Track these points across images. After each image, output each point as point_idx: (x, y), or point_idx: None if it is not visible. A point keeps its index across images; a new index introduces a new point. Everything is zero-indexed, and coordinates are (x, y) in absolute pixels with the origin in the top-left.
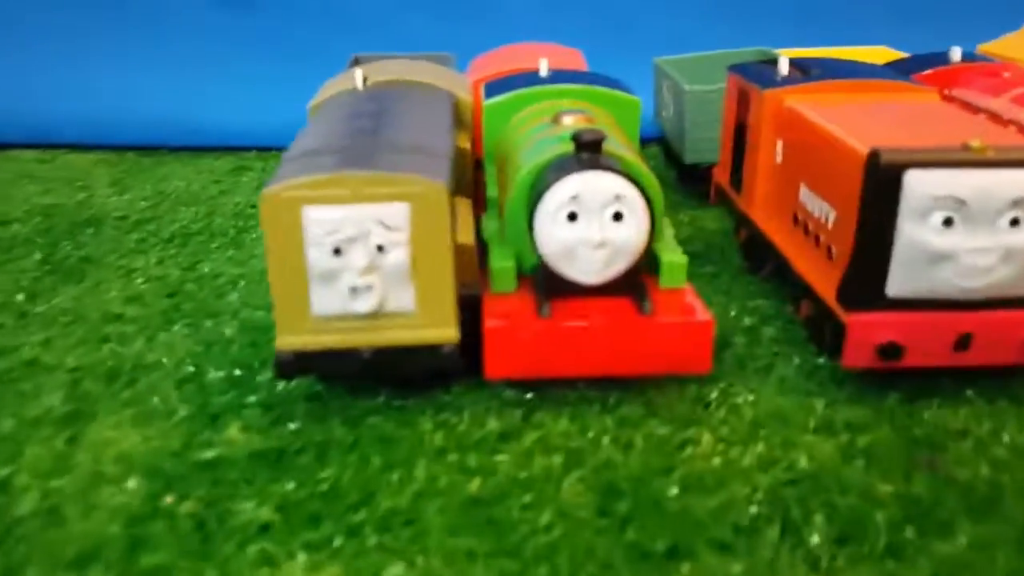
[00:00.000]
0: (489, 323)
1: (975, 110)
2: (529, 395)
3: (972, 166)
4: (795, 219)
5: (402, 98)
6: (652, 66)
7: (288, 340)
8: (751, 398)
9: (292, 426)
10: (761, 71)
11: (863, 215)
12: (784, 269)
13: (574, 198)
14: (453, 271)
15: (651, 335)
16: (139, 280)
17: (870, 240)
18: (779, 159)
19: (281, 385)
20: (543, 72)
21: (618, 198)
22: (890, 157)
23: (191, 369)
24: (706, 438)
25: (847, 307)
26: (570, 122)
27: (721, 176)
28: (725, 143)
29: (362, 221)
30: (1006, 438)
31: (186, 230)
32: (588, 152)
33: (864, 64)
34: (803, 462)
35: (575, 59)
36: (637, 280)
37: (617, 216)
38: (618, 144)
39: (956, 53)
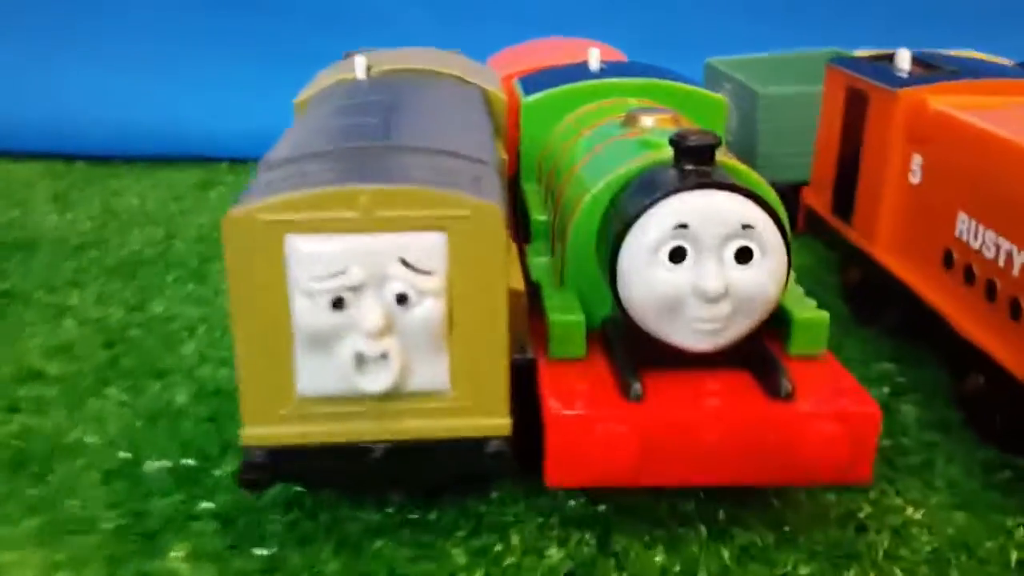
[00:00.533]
0: (554, 408)
1: None
2: (601, 507)
3: None
4: (947, 259)
5: (418, 90)
6: (703, 68)
7: (260, 432)
8: (918, 516)
9: (261, 552)
10: (876, 68)
11: None
12: (931, 324)
13: (682, 228)
14: (507, 332)
15: (792, 430)
16: (70, 323)
17: None
18: (916, 179)
19: None
20: (593, 65)
21: (746, 229)
22: None
23: (126, 456)
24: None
25: None
26: (651, 123)
27: (815, 199)
28: (822, 157)
29: (377, 258)
30: None
31: (137, 257)
32: (696, 163)
33: (1000, 65)
34: None
35: (618, 58)
36: (759, 346)
37: (743, 255)
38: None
39: None
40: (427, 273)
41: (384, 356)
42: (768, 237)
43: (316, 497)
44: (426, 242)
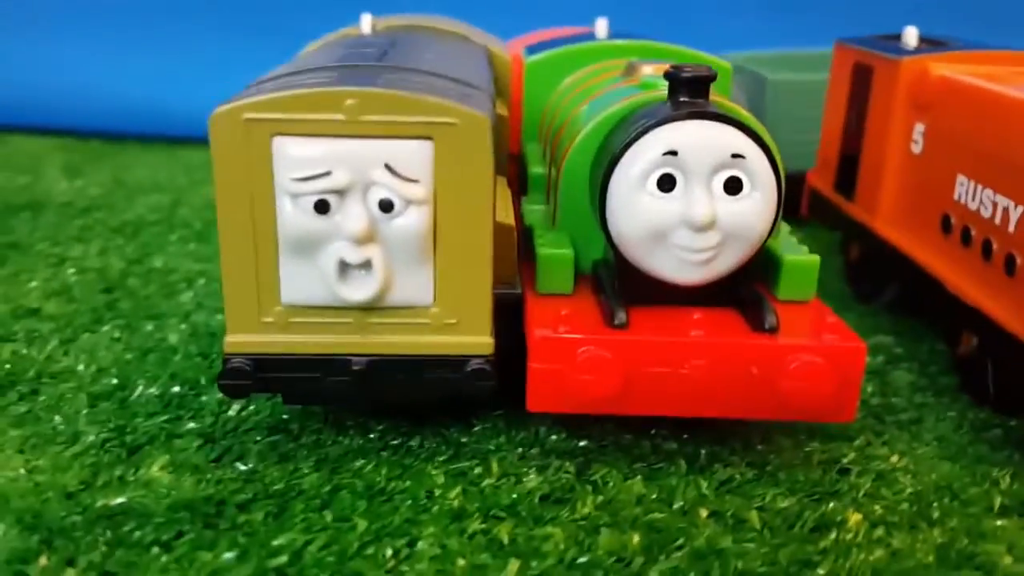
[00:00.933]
0: (538, 332)
1: None
2: (583, 442)
3: None
4: (945, 224)
5: (421, 39)
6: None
7: (242, 340)
8: (904, 463)
9: (242, 467)
10: (883, 43)
11: None
12: (928, 292)
13: (671, 154)
14: (492, 249)
15: (775, 362)
16: (71, 271)
17: None
18: (918, 148)
19: (234, 409)
20: (600, 33)
21: (736, 159)
22: None
23: (113, 382)
24: (853, 518)
25: None
26: (650, 71)
27: (820, 180)
28: (828, 138)
29: (362, 163)
30: None
31: (142, 220)
32: (691, 95)
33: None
34: (1007, 560)
35: None
36: (748, 287)
37: (733, 185)
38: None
39: None
40: (413, 181)
41: (367, 264)
42: (759, 169)
43: (300, 421)
44: (412, 149)
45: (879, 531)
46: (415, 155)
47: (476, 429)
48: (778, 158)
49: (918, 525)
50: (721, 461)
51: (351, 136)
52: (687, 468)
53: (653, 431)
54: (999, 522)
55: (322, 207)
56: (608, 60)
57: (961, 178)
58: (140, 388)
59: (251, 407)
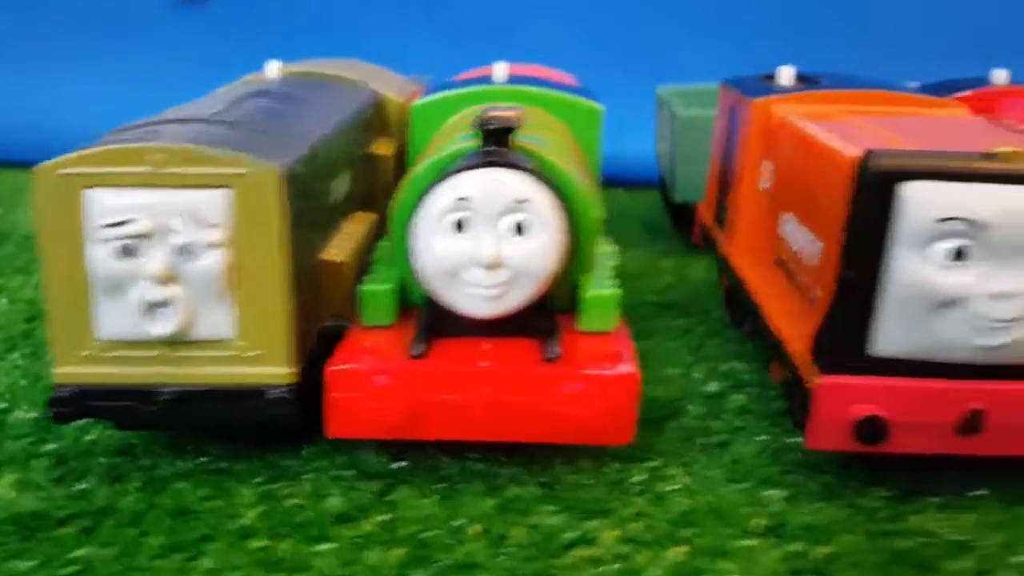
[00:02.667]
0: (334, 364)
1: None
2: (399, 464)
3: (997, 180)
4: (779, 260)
5: (298, 88)
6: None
7: (67, 371)
8: (688, 483)
9: (78, 486)
10: (760, 83)
11: (846, 242)
12: (761, 324)
13: (462, 200)
14: (288, 286)
15: (553, 389)
16: (3, 300)
17: (853, 278)
18: (765, 184)
19: (93, 433)
20: (498, 76)
21: (521, 204)
22: (883, 163)
23: (2, 406)
24: (608, 536)
25: (820, 368)
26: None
27: (707, 213)
28: (712, 172)
29: (164, 210)
30: (1020, 557)
31: None
32: (496, 143)
33: (882, 81)
34: None
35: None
36: (548, 318)
37: (520, 227)
38: (551, 146)
39: (1001, 75)
40: (211, 226)
41: (168, 302)
42: (543, 213)
43: (145, 445)
44: (211, 197)
45: (627, 548)
46: (213, 203)
47: (303, 453)
48: (575, 204)
49: (665, 544)
50: (517, 481)
51: (155, 186)
52: (484, 488)
53: (473, 454)
54: (746, 542)
55: (127, 251)
56: (489, 104)
57: (786, 216)
58: (20, 412)
59: (107, 432)
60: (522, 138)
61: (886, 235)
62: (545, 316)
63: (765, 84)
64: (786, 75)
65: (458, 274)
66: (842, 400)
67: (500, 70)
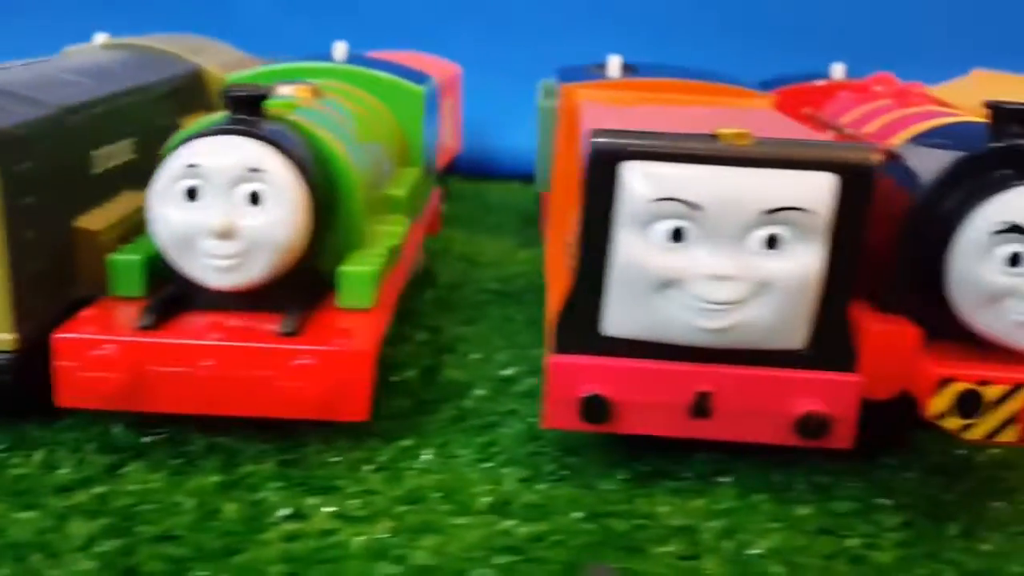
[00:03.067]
0: (60, 332)
1: (822, 126)
2: (149, 438)
3: (716, 161)
4: (566, 244)
5: (107, 59)
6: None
7: None
8: (431, 462)
9: None
10: (586, 72)
11: (579, 224)
12: None
13: (192, 167)
14: (8, 250)
15: (281, 363)
16: None
17: (586, 258)
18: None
19: None
20: (336, 55)
21: (255, 173)
22: (605, 143)
23: None
24: (322, 512)
25: (554, 347)
26: (287, 92)
27: (545, 200)
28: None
29: None
30: (735, 543)
31: None
32: (248, 113)
33: (709, 72)
34: (420, 556)
35: (446, 72)
36: (300, 292)
37: (255, 197)
38: (339, 123)
39: (838, 70)
40: None
41: None
42: (280, 183)
43: None
44: None
45: (336, 524)
46: None
47: (56, 424)
48: (335, 178)
49: (376, 521)
50: (258, 459)
51: None
52: (220, 464)
53: (238, 431)
54: (460, 520)
55: None
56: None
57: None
58: None
59: None
60: (300, 113)
61: (611, 215)
62: (297, 289)
63: (589, 72)
64: (614, 64)
65: (193, 244)
66: (571, 379)
67: (340, 49)
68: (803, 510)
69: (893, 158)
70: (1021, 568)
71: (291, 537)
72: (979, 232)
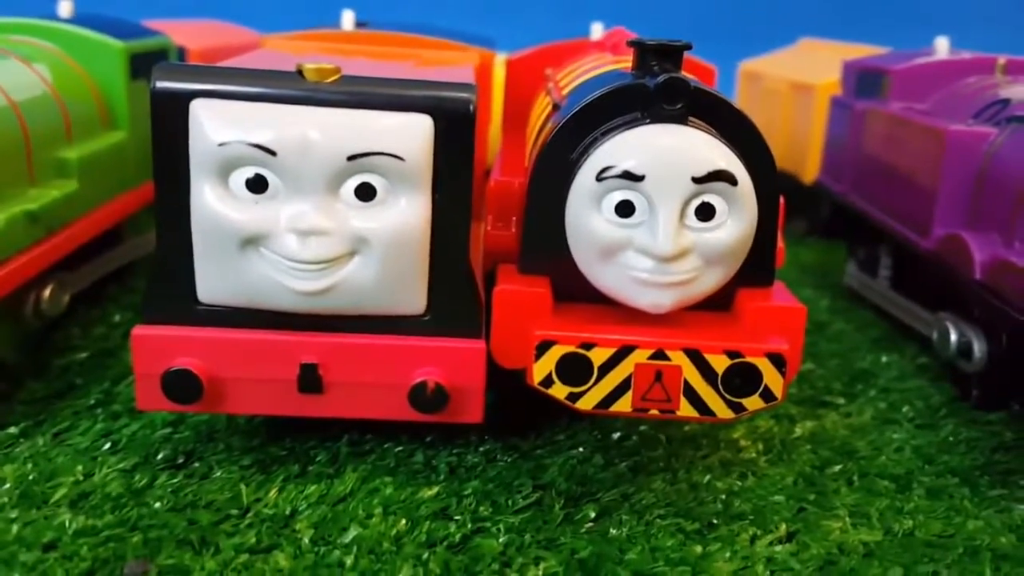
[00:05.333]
0: None
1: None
2: None
3: (293, 101)
4: None
5: None
6: None
7: None
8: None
9: None
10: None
11: (154, 175)
12: None
13: None
14: None
15: None
16: None
17: (165, 215)
18: None
19: None
20: (63, 12)
21: None
22: (169, 83)
23: None
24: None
25: (144, 317)
26: None
27: None
28: None
29: None
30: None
31: None
32: None
33: (438, 29)
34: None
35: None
36: None
37: None
38: None
39: (596, 30)
40: None
41: None
42: None
43: None
44: None
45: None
46: None
47: None
48: None
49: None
50: None
51: None
52: None
53: None
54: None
55: None
56: None
57: None
58: None
59: None
60: None
61: (183, 164)
62: None
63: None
64: (347, 19)
65: None
66: (157, 353)
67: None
68: (428, 492)
69: (556, 109)
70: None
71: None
72: (587, 180)
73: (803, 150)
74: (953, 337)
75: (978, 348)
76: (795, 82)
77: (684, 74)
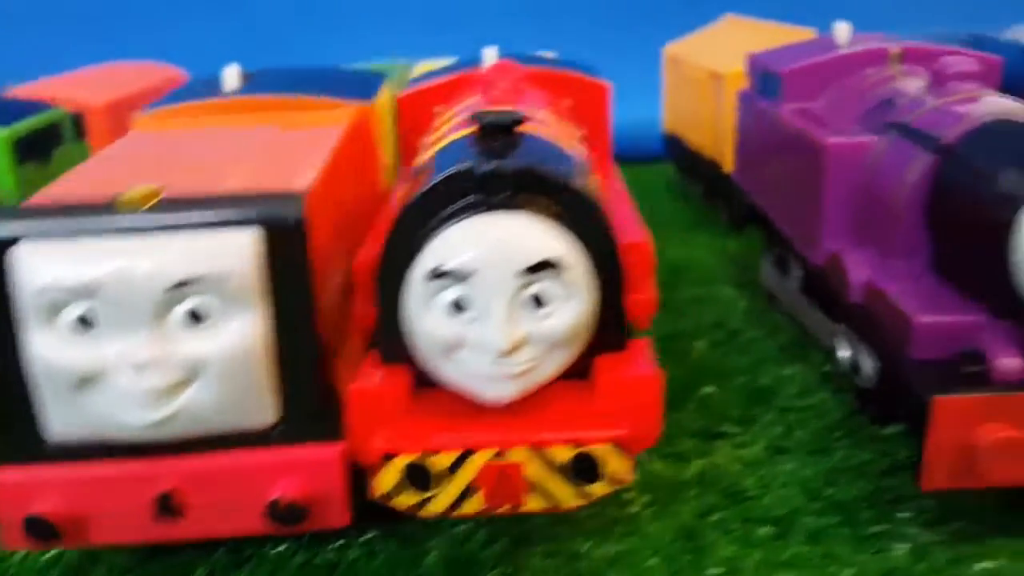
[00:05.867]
0: None
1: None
2: None
3: (110, 233)
4: None
5: None
6: None
7: None
8: None
9: None
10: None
11: None
12: None
13: None
14: None
15: None
16: None
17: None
18: None
19: None
20: None
21: None
22: None
23: None
24: None
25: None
26: None
27: None
28: None
29: None
30: None
31: None
32: None
33: (321, 80)
34: None
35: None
36: None
37: None
38: None
39: (489, 56)
40: None
41: None
42: None
43: None
44: None
45: None
46: None
47: None
48: None
49: None
50: None
51: None
52: None
53: None
54: None
55: None
56: None
57: None
58: None
59: None
60: None
61: (10, 310)
62: None
63: (204, 88)
64: (231, 74)
65: None
66: (13, 500)
67: None
68: None
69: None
70: None
71: None
72: (417, 280)
73: (723, 139)
74: (843, 354)
75: (867, 366)
76: (708, 70)
77: (518, 155)
